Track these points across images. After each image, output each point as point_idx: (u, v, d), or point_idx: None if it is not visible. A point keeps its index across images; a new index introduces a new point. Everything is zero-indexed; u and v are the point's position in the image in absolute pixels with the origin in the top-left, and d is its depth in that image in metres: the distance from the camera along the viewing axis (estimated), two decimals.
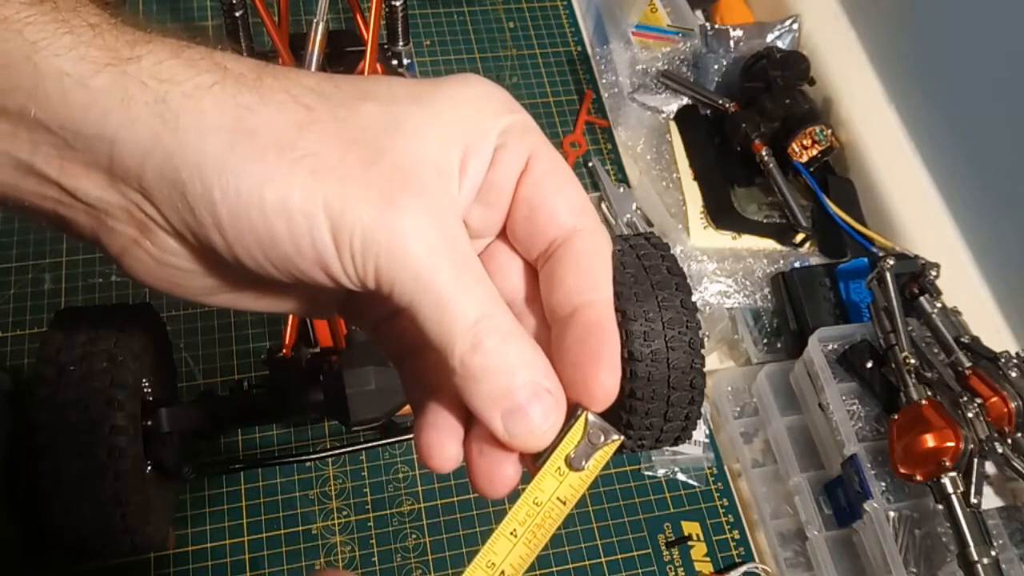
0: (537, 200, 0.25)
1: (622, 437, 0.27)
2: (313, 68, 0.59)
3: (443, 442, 0.25)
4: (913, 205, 0.71)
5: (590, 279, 0.24)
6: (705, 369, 0.51)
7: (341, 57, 0.62)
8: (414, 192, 0.22)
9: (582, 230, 0.25)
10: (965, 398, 0.52)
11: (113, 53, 0.21)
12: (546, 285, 0.25)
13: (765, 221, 0.74)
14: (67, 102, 0.21)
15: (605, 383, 0.24)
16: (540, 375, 0.23)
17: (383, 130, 0.22)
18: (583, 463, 0.27)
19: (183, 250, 0.23)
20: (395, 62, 0.66)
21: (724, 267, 0.71)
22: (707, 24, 0.82)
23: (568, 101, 0.81)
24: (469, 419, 0.25)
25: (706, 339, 0.65)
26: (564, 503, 0.25)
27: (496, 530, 0.25)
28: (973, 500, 0.50)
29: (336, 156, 0.21)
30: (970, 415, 0.52)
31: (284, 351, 0.50)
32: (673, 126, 0.78)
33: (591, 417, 0.26)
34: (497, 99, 0.25)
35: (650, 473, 0.63)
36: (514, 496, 0.25)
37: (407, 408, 0.50)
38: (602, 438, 0.26)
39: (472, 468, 0.25)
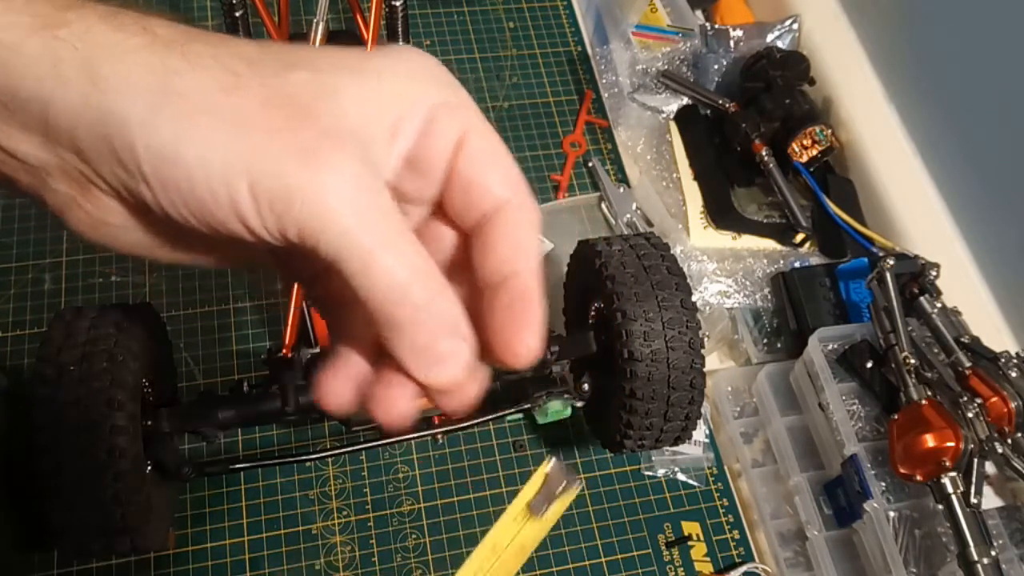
0: (471, 174, 0.26)
1: (582, 484, 0.28)
2: None
3: (343, 388, 0.26)
4: (913, 205, 0.71)
5: (519, 250, 0.26)
6: (705, 369, 0.51)
7: None
8: (339, 152, 0.22)
9: (513, 203, 0.26)
10: (965, 398, 0.52)
11: (43, 19, 0.22)
12: (478, 254, 0.26)
13: (765, 221, 0.74)
14: (2, 69, 0.22)
15: (529, 343, 0.26)
16: (461, 329, 0.25)
17: (312, 96, 0.23)
18: (543, 510, 0.28)
19: (119, 207, 0.24)
20: None
21: (724, 267, 0.71)
22: (707, 24, 0.82)
23: (568, 101, 0.81)
24: (377, 360, 0.26)
25: (706, 339, 0.65)
26: (524, 548, 0.26)
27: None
28: (973, 500, 0.50)
29: (261, 116, 0.22)
30: (970, 415, 0.52)
31: (284, 351, 0.50)
32: (673, 126, 0.78)
33: (552, 465, 0.28)
34: (433, 73, 0.26)
35: (650, 473, 0.63)
36: (474, 541, 0.26)
37: None
38: (563, 484, 0.27)
39: (376, 399, 0.26)
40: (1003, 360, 0.53)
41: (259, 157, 0.22)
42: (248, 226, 0.23)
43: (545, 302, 0.26)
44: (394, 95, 0.25)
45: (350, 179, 0.22)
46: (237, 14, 0.62)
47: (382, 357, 0.26)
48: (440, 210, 0.27)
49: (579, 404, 0.56)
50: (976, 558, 0.49)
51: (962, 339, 0.56)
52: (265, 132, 0.22)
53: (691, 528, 0.62)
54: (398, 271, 0.23)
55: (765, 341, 0.68)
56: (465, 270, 0.28)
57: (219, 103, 0.22)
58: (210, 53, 0.23)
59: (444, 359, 0.25)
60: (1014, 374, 0.52)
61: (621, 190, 0.75)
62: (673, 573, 0.60)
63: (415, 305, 0.24)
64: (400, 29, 0.65)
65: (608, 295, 0.51)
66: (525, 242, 0.26)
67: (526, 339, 0.26)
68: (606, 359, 0.53)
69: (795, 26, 0.80)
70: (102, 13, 0.22)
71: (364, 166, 0.23)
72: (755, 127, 0.73)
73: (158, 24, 0.23)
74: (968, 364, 0.54)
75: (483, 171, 0.26)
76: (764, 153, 0.73)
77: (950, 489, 0.51)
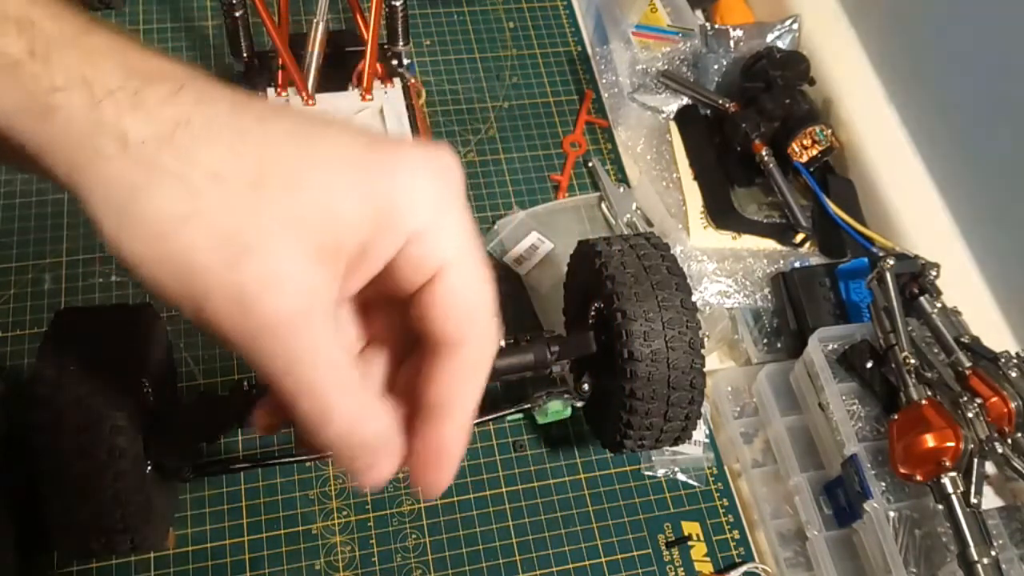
0: (431, 312, 0.27)
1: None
2: (313, 68, 0.59)
3: (272, 421, 0.29)
4: (913, 205, 0.71)
5: (453, 397, 0.27)
6: (705, 369, 0.51)
7: (341, 57, 0.62)
8: (277, 293, 0.24)
9: (464, 350, 0.27)
10: (965, 398, 0.52)
11: (36, 101, 0.23)
12: (420, 375, 0.28)
13: (765, 221, 0.74)
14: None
15: (438, 485, 0.28)
16: (380, 450, 0.27)
17: (264, 222, 0.24)
18: None
19: None
20: (395, 62, 0.66)
21: (724, 267, 0.71)
22: (707, 24, 0.82)
23: (568, 101, 0.81)
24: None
25: (706, 339, 0.65)
26: None
27: None
28: (973, 500, 0.50)
29: (208, 253, 0.23)
30: (970, 415, 0.52)
31: None
32: (673, 126, 0.78)
33: None
34: (428, 193, 0.26)
35: (650, 473, 0.63)
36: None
37: None
38: None
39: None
40: (1003, 360, 0.53)
41: (206, 300, 0.24)
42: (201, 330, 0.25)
43: (484, 379, 0.28)
44: (370, 215, 0.25)
45: (289, 320, 0.24)
46: (237, 14, 0.63)
47: None
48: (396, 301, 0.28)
49: (579, 404, 0.56)
50: (976, 558, 0.49)
51: (962, 339, 0.56)
52: (212, 274, 0.23)
53: (691, 528, 0.62)
54: (328, 402, 0.25)
55: (765, 341, 0.68)
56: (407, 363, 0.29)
57: (171, 235, 0.23)
58: (177, 167, 0.23)
59: (362, 474, 0.26)
60: (1014, 374, 0.52)
61: (621, 190, 0.75)
62: (673, 573, 0.60)
63: (335, 429, 0.25)
64: (400, 29, 0.65)
65: (608, 295, 0.51)
66: (458, 393, 0.27)
67: (436, 481, 0.27)
68: (606, 359, 0.53)
69: (795, 26, 0.80)
70: (85, 102, 0.23)
71: (306, 298, 0.24)
72: (755, 127, 0.73)
73: (134, 122, 0.23)
74: (968, 364, 0.54)
75: (443, 314, 0.27)
76: (764, 153, 0.73)
77: (950, 489, 0.51)
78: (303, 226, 0.24)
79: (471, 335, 0.27)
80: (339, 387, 0.25)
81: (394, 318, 0.29)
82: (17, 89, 0.23)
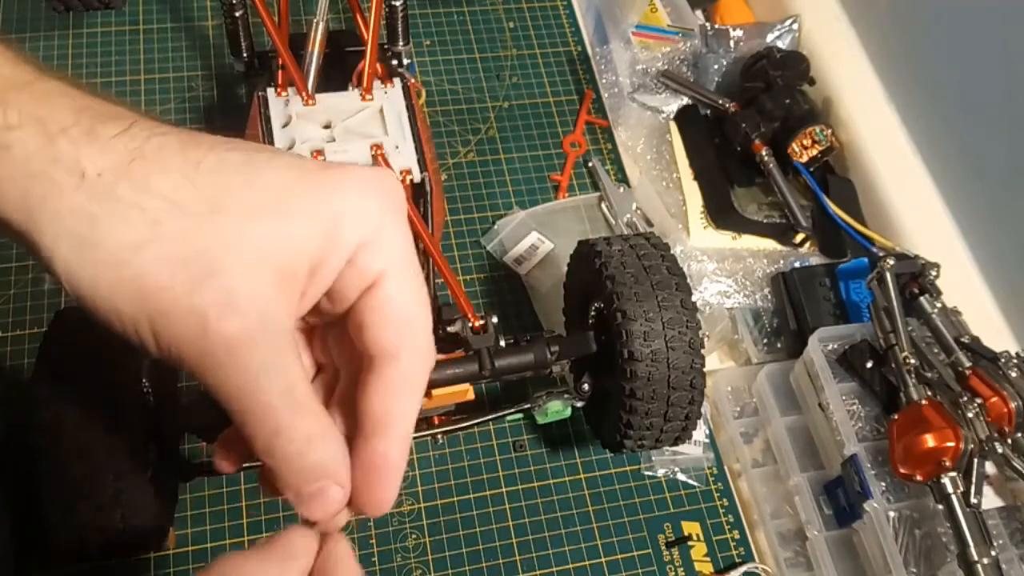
0: (367, 320, 0.27)
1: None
2: (313, 68, 0.59)
3: (230, 459, 0.30)
4: (913, 205, 0.71)
5: (388, 413, 0.27)
6: (705, 369, 0.51)
7: (341, 57, 0.62)
8: (237, 314, 0.24)
9: (399, 362, 0.27)
10: (965, 398, 0.52)
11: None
12: (359, 392, 0.28)
13: (765, 221, 0.74)
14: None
15: (381, 504, 0.28)
16: (328, 476, 0.27)
17: (222, 247, 0.25)
18: None
19: None
20: (395, 62, 0.66)
21: (724, 267, 0.71)
22: (707, 24, 0.82)
23: (568, 101, 0.81)
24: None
25: (706, 339, 0.65)
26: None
27: None
28: (973, 500, 0.50)
29: (167, 277, 0.24)
30: (970, 415, 0.52)
31: None
32: (673, 126, 0.78)
33: None
34: (366, 204, 0.27)
35: (650, 473, 0.63)
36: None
37: None
38: None
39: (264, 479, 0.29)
40: (1003, 360, 0.53)
41: (162, 324, 0.24)
42: (151, 352, 0.25)
43: (420, 393, 0.28)
44: (319, 236, 0.26)
45: (244, 345, 0.25)
46: (237, 14, 0.63)
47: None
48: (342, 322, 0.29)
49: (579, 404, 0.56)
50: (976, 558, 0.49)
51: (962, 339, 0.56)
52: (168, 298, 0.24)
53: (691, 528, 0.62)
54: (282, 424, 0.25)
55: (765, 341, 0.68)
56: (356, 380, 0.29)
57: (129, 260, 0.24)
58: (134, 198, 0.24)
59: (310, 500, 0.27)
60: (1014, 374, 0.52)
61: (621, 190, 0.75)
62: (673, 573, 0.60)
63: (288, 455, 0.26)
64: (400, 29, 0.65)
65: (608, 295, 0.51)
66: (394, 406, 0.27)
67: (379, 498, 0.28)
68: (606, 359, 0.53)
69: (795, 26, 0.80)
70: (39, 139, 0.24)
71: (261, 319, 0.25)
72: (755, 127, 0.73)
73: (91, 156, 0.24)
74: (968, 364, 0.54)
75: (382, 319, 0.27)
76: (764, 153, 0.73)
77: (950, 489, 0.51)
78: (260, 250, 0.25)
79: (407, 345, 0.28)
80: (295, 406, 0.26)
81: (329, 345, 0.30)
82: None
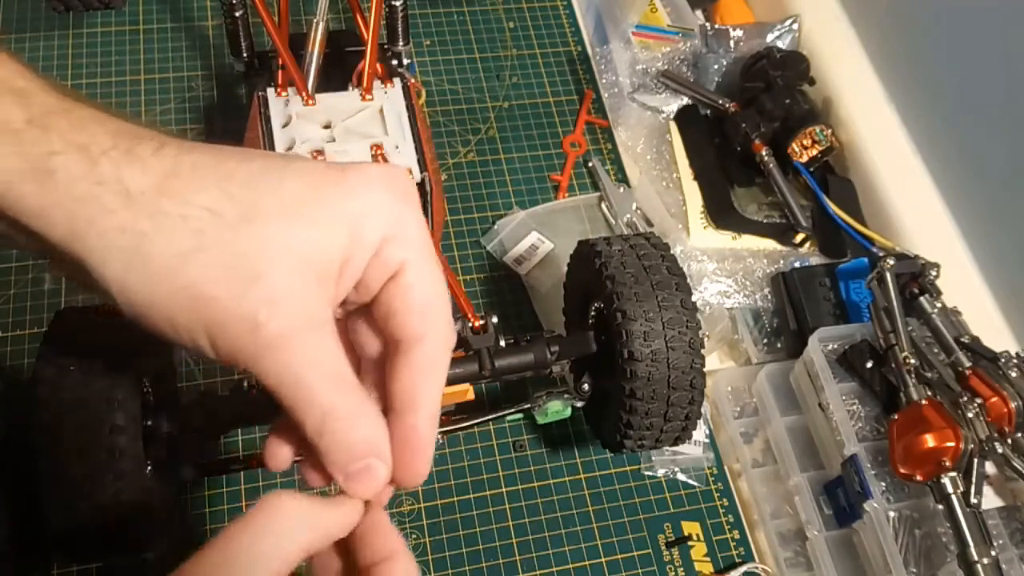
0: (393, 306, 0.29)
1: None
2: (313, 68, 0.59)
3: (284, 454, 0.31)
4: (913, 205, 0.71)
5: (416, 391, 0.29)
6: (705, 369, 0.51)
7: (341, 57, 0.62)
8: (282, 313, 0.26)
9: (425, 345, 0.29)
10: (965, 398, 0.52)
11: (32, 163, 0.25)
12: (388, 374, 0.30)
13: (765, 221, 0.74)
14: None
15: (416, 475, 0.30)
16: (373, 452, 0.29)
17: (263, 252, 0.27)
18: None
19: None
20: (395, 62, 0.66)
21: (724, 267, 0.71)
22: (707, 24, 0.82)
23: (568, 101, 0.81)
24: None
25: (706, 339, 0.65)
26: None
27: None
28: (973, 500, 0.50)
29: (216, 284, 0.26)
30: (970, 415, 0.52)
31: None
32: (673, 126, 0.78)
33: None
34: (387, 204, 0.29)
35: (650, 473, 0.63)
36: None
37: None
38: None
39: (308, 471, 0.31)
40: (1003, 360, 0.53)
41: (218, 329, 0.26)
42: (208, 356, 0.27)
43: (444, 372, 0.30)
44: (346, 236, 0.28)
45: (292, 340, 0.27)
46: (237, 14, 0.63)
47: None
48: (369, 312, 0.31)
49: (579, 404, 0.56)
50: (976, 558, 0.49)
51: (962, 339, 0.56)
52: (221, 305, 0.26)
53: (691, 528, 0.62)
54: (328, 405, 0.27)
55: (765, 341, 0.68)
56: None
57: (180, 269, 0.26)
58: (177, 210, 0.26)
59: (359, 477, 0.28)
60: (1014, 374, 0.52)
61: (621, 190, 0.75)
62: (673, 573, 0.60)
63: (336, 434, 0.28)
64: (400, 29, 0.65)
65: (608, 295, 0.51)
66: (421, 385, 0.29)
67: (414, 470, 0.30)
68: (606, 359, 0.53)
69: (795, 26, 0.80)
70: (83, 164, 0.25)
71: (305, 314, 0.27)
72: (755, 127, 0.73)
73: (133, 175, 0.26)
74: (968, 364, 0.54)
75: (406, 306, 0.29)
76: (764, 153, 0.73)
77: (950, 489, 0.51)
78: (295, 252, 0.27)
79: (430, 329, 0.29)
80: (342, 389, 0.28)
81: (355, 331, 0.32)
82: (18, 154, 0.25)
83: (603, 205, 0.74)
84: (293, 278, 0.27)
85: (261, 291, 0.26)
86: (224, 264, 0.26)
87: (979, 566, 0.49)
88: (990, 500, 0.52)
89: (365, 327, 0.31)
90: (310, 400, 0.27)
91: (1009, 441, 0.51)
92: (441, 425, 0.55)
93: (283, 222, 0.27)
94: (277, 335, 0.26)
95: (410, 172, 0.55)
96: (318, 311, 0.28)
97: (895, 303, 0.57)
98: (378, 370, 0.31)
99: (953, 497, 0.51)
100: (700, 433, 0.64)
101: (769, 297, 0.69)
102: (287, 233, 0.27)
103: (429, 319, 0.29)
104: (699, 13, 0.85)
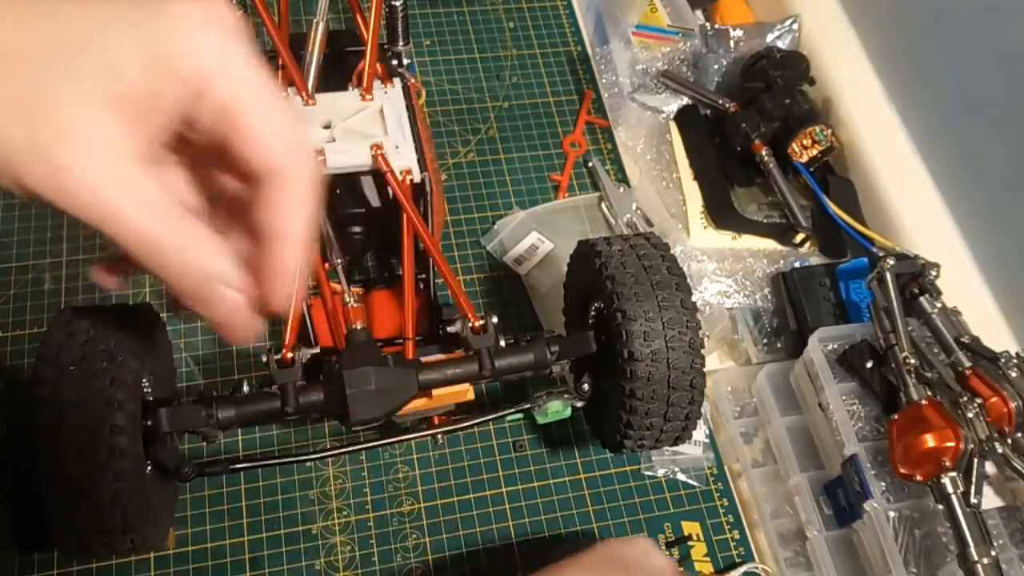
0: (236, 143, 0.29)
1: None
2: (313, 68, 0.59)
3: (114, 273, 0.32)
4: (913, 205, 0.71)
5: (278, 219, 0.30)
6: (705, 369, 0.51)
7: (341, 57, 0.62)
8: (77, 141, 0.26)
9: (278, 176, 0.30)
10: (965, 398, 0.52)
11: None
12: (251, 211, 0.30)
13: (765, 221, 0.74)
14: None
15: (279, 299, 0.31)
16: (216, 278, 0.29)
17: (56, 84, 0.26)
18: None
19: None
20: (395, 62, 0.66)
21: (724, 267, 0.71)
22: (707, 24, 0.82)
23: (568, 101, 0.81)
24: None
25: (706, 339, 0.65)
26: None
27: None
28: (973, 500, 0.50)
29: (5, 119, 0.25)
30: (970, 415, 0.52)
31: (284, 351, 0.50)
32: (673, 126, 0.78)
33: None
34: (202, 39, 0.28)
35: (650, 473, 0.63)
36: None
37: (407, 408, 0.50)
38: None
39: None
40: (1003, 360, 0.53)
41: (17, 165, 0.26)
42: (20, 197, 0.27)
43: (308, 204, 0.31)
44: (148, 67, 0.27)
45: (96, 167, 0.26)
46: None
47: None
48: (214, 156, 0.31)
49: (579, 404, 0.56)
50: (976, 558, 0.49)
51: (962, 339, 0.56)
52: (16, 140, 0.25)
53: (691, 528, 0.62)
54: (149, 234, 0.27)
55: (765, 341, 0.68)
56: (240, 208, 0.32)
57: None
58: None
59: (208, 303, 0.29)
60: (1014, 374, 0.52)
61: (621, 190, 0.75)
62: None
63: (168, 261, 0.28)
64: (400, 29, 0.65)
65: (608, 295, 0.51)
66: (279, 216, 0.30)
67: (277, 296, 0.31)
68: (606, 359, 0.53)
69: (795, 26, 0.80)
70: None
71: (107, 145, 0.26)
72: (755, 127, 0.73)
73: None
74: (968, 364, 0.54)
75: (250, 141, 0.29)
76: (764, 153, 0.73)
77: (950, 489, 0.51)
78: (91, 82, 0.26)
79: (284, 161, 0.30)
80: (165, 221, 0.28)
81: (217, 178, 0.33)
82: None
83: (603, 205, 0.74)
84: (86, 108, 0.26)
85: (53, 121, 0.26)
86: (14, 99, 0.25)
87: (979, 566, 0.49)
88: (990, 500, 0.52)
89: (224, 171, 0.32)
90: (132, 229, 0.27)
91: (1009, 441, 0.51)
92: (441, 425, 0.55)
93: (79, 51, 0.26)
94: (77, 165, 0.26)
95: (410, 172, 0.55)
96: (118, 139, 0.27)
97: (895, 303, 0.57)
98: (244, 207, 0.31)
99: (953, 497, 0.51)
100: (700, 433, 0.64)
101: (769, 297, 0.69)
102: (83, 61, 0.26)
103: (277, 152, 0.30)
104: (699, 13, 0.85)
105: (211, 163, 0.32)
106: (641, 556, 0.48)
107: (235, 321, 0.30)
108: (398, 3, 0.64)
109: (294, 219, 0.30)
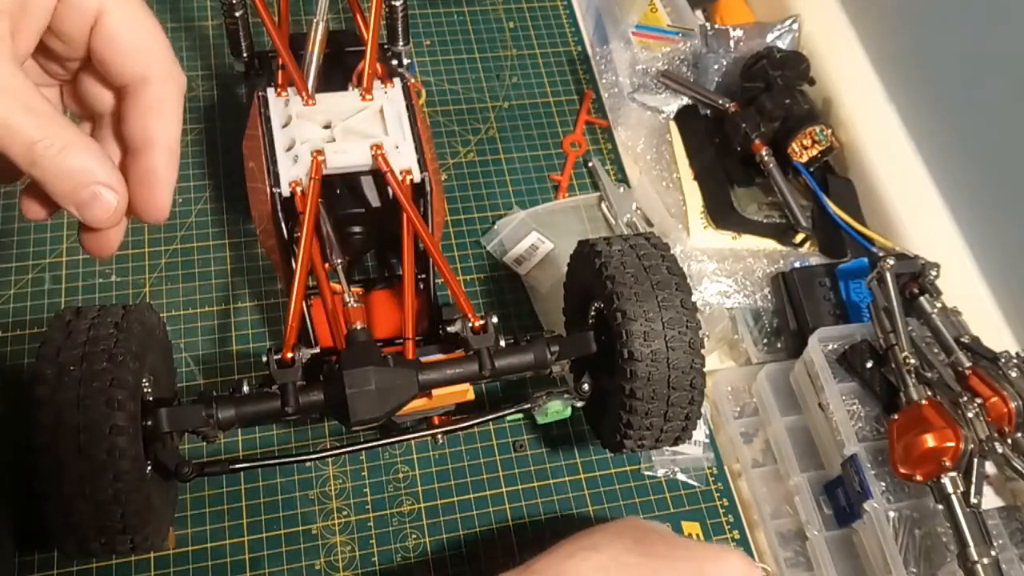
0: (104, 53, 0.30)
1: None
2: (313, 68, 0.59)
3: (40, 202, 0.32)
4: (913, 205, 0.71)
5: (150, 126, 0.31)
6: (705, 369, 0.51)
7: (341, 57, 0.62)
8: None
9: (151, 82, 0.31)
10: (965, 398, 0.52)
11: None
12: (123, 121, 0.31)
13: (765, 221, 0.74)
14: None
15: (157, 209, 0.32)
16: (95, 180, 0.30)
17: None
18: None
19: None
20: (395, 62, 0.66)
21: (724, 267, 0.71)
22: (707, 24, 0.82)
23: (568, 101, 0.81)
24: None
25: (706, 339, 0.65)
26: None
27: None
28: (973, 500, 0.50)
29: None
30: (970, 415, 0.52)
31: (284, 351, 0.50)
32: (673, 126, 0.78)
33: None
34: None
35: (650, 473, 0.63)
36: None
37: (407, 408, 0.50)
38: None
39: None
40: (1003, 360, 0.53)
41: None
42: None
43: (177, 111, 0.32)
44: None
45: None
46: (237, 14, 0.63)
47: None
48: (94, 73, 0.32)
49: (579, 404, 0.56)
50: (976, 558, 0.49)
51: (962, 339, 0.56)
52: None
53: (691, 528, 0.62)
54: (29, 135, 0.28)
55: (765, 341, 0.68)
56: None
57: None
58: None
59: (88, 205, 0.30)
60: (1014, 374, 0.53)
61: (621, 190, 0.75)
62: None
63: (49, 162, 0.28)
64: (400, 29, 0.65)
65: (608, 295, 0.51)
66: (151, 123, 0.31)
67: (155, 204, 0.32)
68: (606, 359, 0.53)
69: (795, 26, 0.80)
70: None
71: None
72: (755, 127, 0.73)
73: None
74: (968, 364, 0.54)
75: (117, 50, 0.30)
76: (764, 153, 0.73)
77: (950, 489, 0.51)
78: None
79: (150, 69, 0.31)
80: (40, 118, 0.28)
81: (93, 94, 0.33)
82: None
83: (603, 205, 0.74)
84: None
85: None
86: None
87: (979, 566, 0.49)
88: (990, 500, 0.52)
89: (94, 84, 0.32)
90: (11, 127, 0.27)
91: (1009, 441, 0.51)
92: (441, 425, 0.55)
93: None
94: None
95: (410, 172, 0.55)
96: (1, 47, 0.27)
97: (895, 303, 0.57)
98: (118, 123, 0.32)
99: (953, 497, 0.51)
100: (700, 433, 0.64)
101: (769, 297, 0.69)
102: None
103: (144, 59, 0.30)
104: (699, 13, 0.85)
105: (84, 84, 0.33)
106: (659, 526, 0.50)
107: (110, 225, 0.31)
108: (398, 3, 0.64)
109: (164, 124, 0.31)
